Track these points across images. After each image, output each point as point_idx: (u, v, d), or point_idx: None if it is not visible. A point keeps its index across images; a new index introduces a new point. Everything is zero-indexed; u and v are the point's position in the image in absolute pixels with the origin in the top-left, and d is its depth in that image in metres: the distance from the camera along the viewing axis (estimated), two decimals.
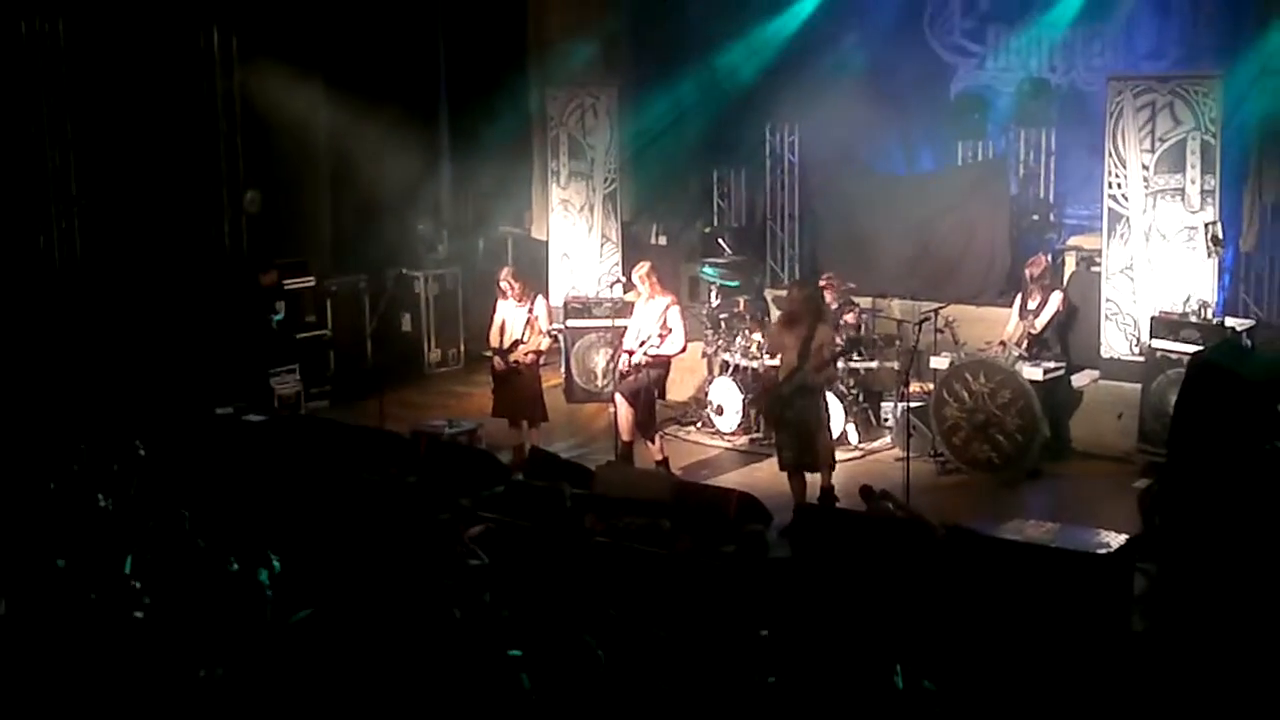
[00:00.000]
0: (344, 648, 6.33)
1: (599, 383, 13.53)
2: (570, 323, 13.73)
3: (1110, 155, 11.84)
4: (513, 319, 11.67)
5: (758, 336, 12.29)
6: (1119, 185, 11.83)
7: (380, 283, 14.25)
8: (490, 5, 15.98)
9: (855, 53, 14.35)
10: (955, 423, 11.33)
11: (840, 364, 11.34)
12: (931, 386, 11.60)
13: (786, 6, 14.56)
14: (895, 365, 12.02)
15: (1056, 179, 13.76)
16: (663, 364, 11.26)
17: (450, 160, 16.48)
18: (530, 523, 9.03)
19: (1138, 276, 11.82)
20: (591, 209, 14.85)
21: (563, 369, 13.92)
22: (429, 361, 15.29)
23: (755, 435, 12.27)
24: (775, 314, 12.80)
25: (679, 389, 12.70)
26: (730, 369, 12.53)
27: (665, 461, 11.32)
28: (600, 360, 13.53)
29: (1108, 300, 12.00)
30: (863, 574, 8.00)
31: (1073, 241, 13.18)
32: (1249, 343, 10.96)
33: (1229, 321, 11.26)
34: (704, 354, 13.09)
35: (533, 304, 11.68)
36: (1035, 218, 13.64)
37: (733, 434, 12.42)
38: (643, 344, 11.18)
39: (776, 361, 10.71)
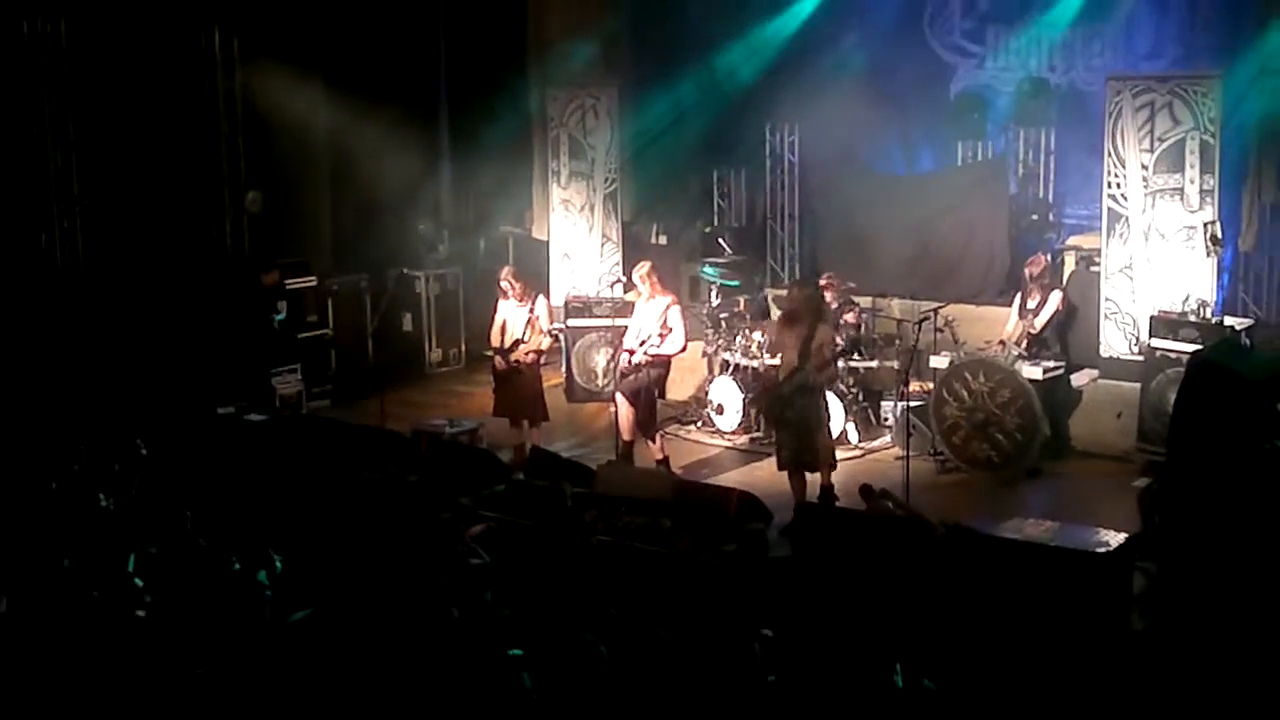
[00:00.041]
0: (345, 647, 6.35)
1: (600, 382, 13.54)
2: (571, 322, 13.74)
3: (1109, 155, 11.85)
4: (514, 319, 11.69)
5: (758, 336, 12.31)
6: (1118, 185, 11.84)
7: (381, 282, 14.27)
8: (490, 5, 15.99)
9: (855, 53, 14.36)
10: (955, 422, 11.35)
11: (840, 363, 11.35)
12: (931, 386, 11.62)
13: (786, 6, 14.57)
14: (895, 364, 12.04)
15: (1056, 179, 13.79)
16: (663, 363, 11.27)
17: (451, 160, 16.50)
18: (531, 522, 9.04)
19: (1137, 276, 11.84)
20: (592, 209, 14.87)
21: (563, 368, 13.93)
22: (430, 361, 15.30)
23: (755, 434, 12.28)
24: (776, 313, 12.82)
25: (679, 388, 12.71)
26: (730, 368, 12.55)
27: (666, 461, 11.33)
28: (601, 360, 13.53)
29: (1107, 299, 12.01)
30: (863, 573, 8.01)
31: (1072, 241, 13.20)
32: (1248, 342, 10.98)
33: (1228, 321, 11.27)
34: (704, 353, 13.10)
35: (534, 304, 11.70)
36: (1035, 217, 13.67)
37: (733, 433, 12.44)
38: (643, 343, 11.19)
39: (777, 361, 10.73)
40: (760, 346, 12.11)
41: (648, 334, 11.21)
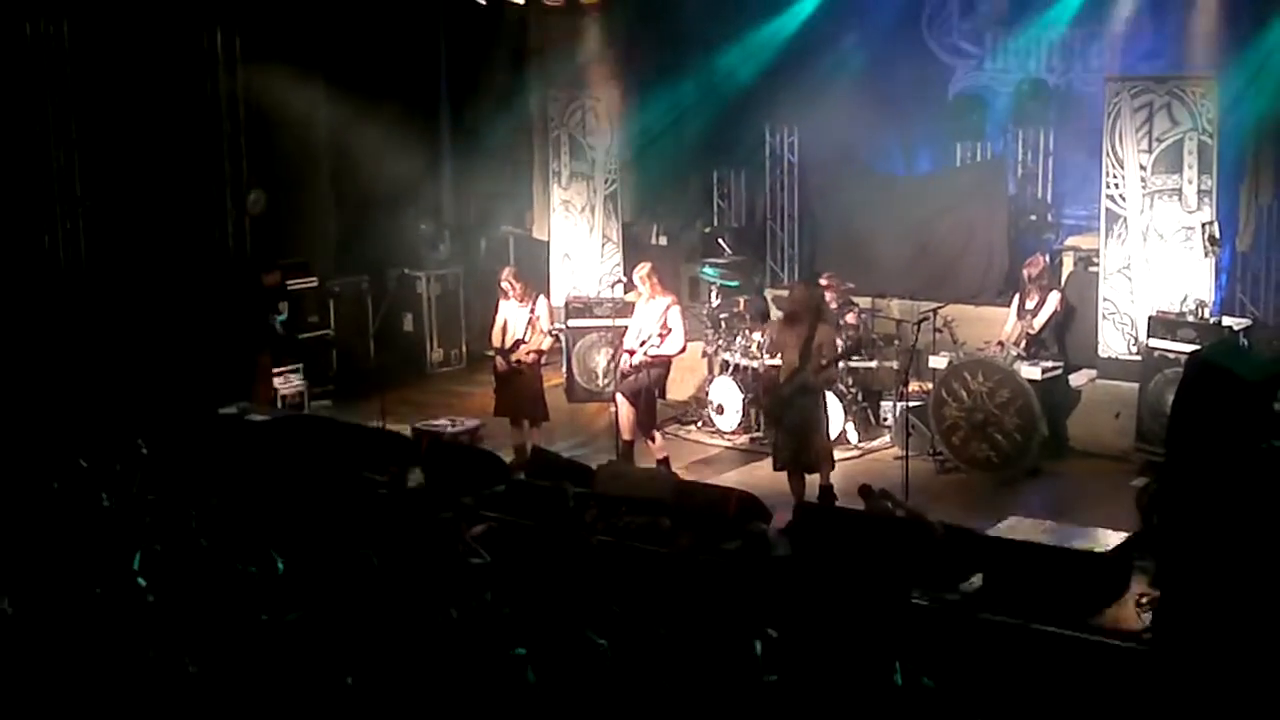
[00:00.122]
0: (347, 646, 6.38)
1: (600, 382, 13.56)
2: (571, 323, 13.77)
3: (1108, 155, 11.87)
4: (514, 319, 11.71)
5: (758, 336, 12.34)
6: (1116, 185, 11.87)
7: (382, 283, 14.28)
8: (491, 5, 16.01)
9: (854, 54, 14.35)
10: (954, 422, 11.37)
11: (840, 364, 11.38)
12: (930, 386, 11.64)
13: (785, 7, 14.55)
14: (894, 365, 12.06)
15: (1054, 179, 13.80)
16: (663, 363, 11.30)
17: (451, 161, 16.51)
18: (532, 522, 9.07)
19: (1135, 276, 11.86)
20: (592, 209, 14.89)
21: (564, 369, 13.95)
22: (431, 361, 15.32)
23: (755, 434, 12.31)
24: (776, 314, 12.84)
25: (679, 388, 12.74)
26: (730, 368, 12.58)
27: (666, 460, 11.36)
28: (601, 360, 13.56)
29: (1105, 300, 12.04)
30: (862, 572, 8.04)
31: (1070, 241, 13.22)
32: (1246, 342, 11.00)
33: (1226, 321, 11.29)
34: (704, 353, 13.13)
35: (534, 304, 11.72)
36: (1033, 218, 13.69)
37: (733, 433, 12.47)
38: (643, 344, 11.22)
39: (777, 361, 10.76)
40: (760, 347, 12.14)
41: (648, 334, 11.24)
